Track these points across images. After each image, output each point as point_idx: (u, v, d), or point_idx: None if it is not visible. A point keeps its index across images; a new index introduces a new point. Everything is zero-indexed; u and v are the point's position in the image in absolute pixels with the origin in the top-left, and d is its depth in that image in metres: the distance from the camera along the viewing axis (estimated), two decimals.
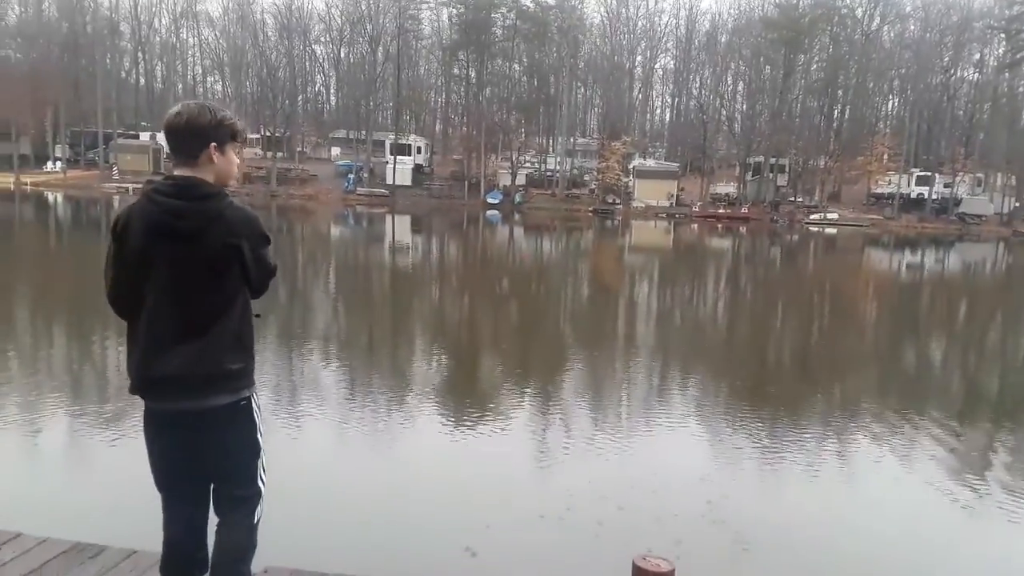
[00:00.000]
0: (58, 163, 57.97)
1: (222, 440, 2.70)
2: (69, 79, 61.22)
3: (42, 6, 69.34)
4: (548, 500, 6.71)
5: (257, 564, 3.78)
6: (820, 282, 26.99)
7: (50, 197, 48.08)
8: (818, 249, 41.08)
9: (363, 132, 61.04)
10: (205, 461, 2.73)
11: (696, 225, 49.15)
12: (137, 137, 60.17)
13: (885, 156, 56.02)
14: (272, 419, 7.85)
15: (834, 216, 52.60)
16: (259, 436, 2.80)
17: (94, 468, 6.85)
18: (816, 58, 64.18)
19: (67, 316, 14.13)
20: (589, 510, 6.48)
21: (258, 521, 2.85)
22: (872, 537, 6.14)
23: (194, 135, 2.59)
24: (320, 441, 7.94)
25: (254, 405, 2.77)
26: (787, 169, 58.21)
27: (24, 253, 24.58)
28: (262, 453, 2.83)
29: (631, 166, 56.41)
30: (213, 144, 2.61)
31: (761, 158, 57.44)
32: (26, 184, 53.26)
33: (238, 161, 2.74)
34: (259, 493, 2.83)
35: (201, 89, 74.44)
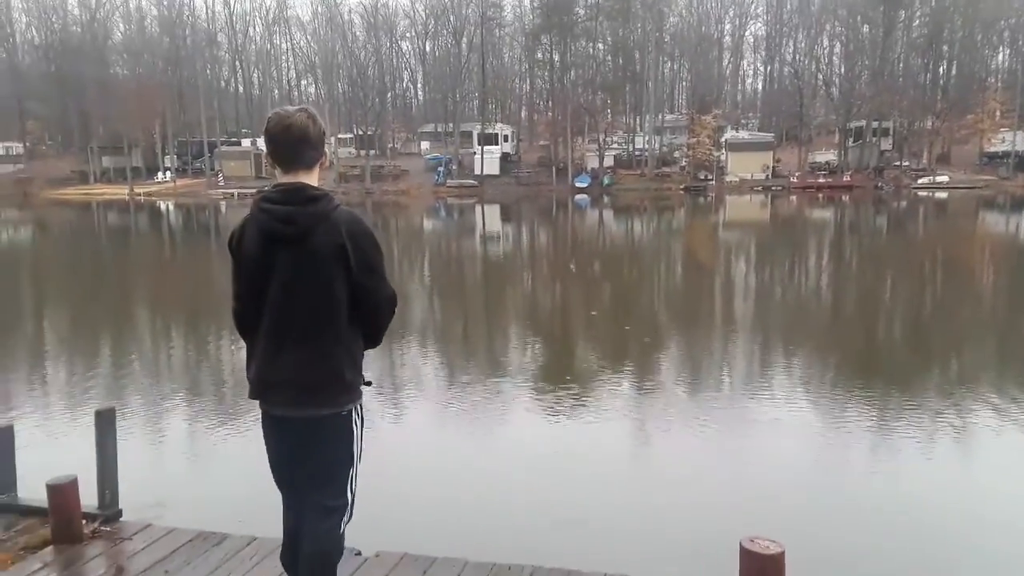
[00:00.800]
0: (168, 173, 61.13)
1: (320, 448, 2.76)
2: (173, 91, 64.61)
3: (144, 22, 73.21)
4: (651, 480, 6.69)
5: (369, 549, 3.93)
6: (932, 249, 25.62)
7: (162, 206, 50.73)
8: (928, 214, 38.99)
9: (450, 124, 61.72)
10: (305, 466, 2.79)
11: (795, 197, 47.39)
12: (239, 144, 62.60)
13: (997, 113, 52.37)
14: (376, 408, 8.09)
15: (944, 179, 49.60)
16: (355, 447, 2.83)
17: (217, 461, 7.23)
18: (918, 12, 60.41)
19: (195, 319, 14.89)
20: (694, 489, 6.41)
21: (343, 531, 2.88)
22: (992, 525, 5.79)
23: (320, 144, 2.70)
24: (424, 428, 8.13)
25: (355, 416, 2.80)
26: (891, 132, 55.20)
27: (150, 259, 26.09)
28: (356, 464, 2.85)
29: (723, 139, 54.78)
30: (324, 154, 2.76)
31: (863, 122, 54.66)
32: (139, 195, 56.39)
33: None
34: (347, 504, 2.86)
35: (296, 93, 76.85)
